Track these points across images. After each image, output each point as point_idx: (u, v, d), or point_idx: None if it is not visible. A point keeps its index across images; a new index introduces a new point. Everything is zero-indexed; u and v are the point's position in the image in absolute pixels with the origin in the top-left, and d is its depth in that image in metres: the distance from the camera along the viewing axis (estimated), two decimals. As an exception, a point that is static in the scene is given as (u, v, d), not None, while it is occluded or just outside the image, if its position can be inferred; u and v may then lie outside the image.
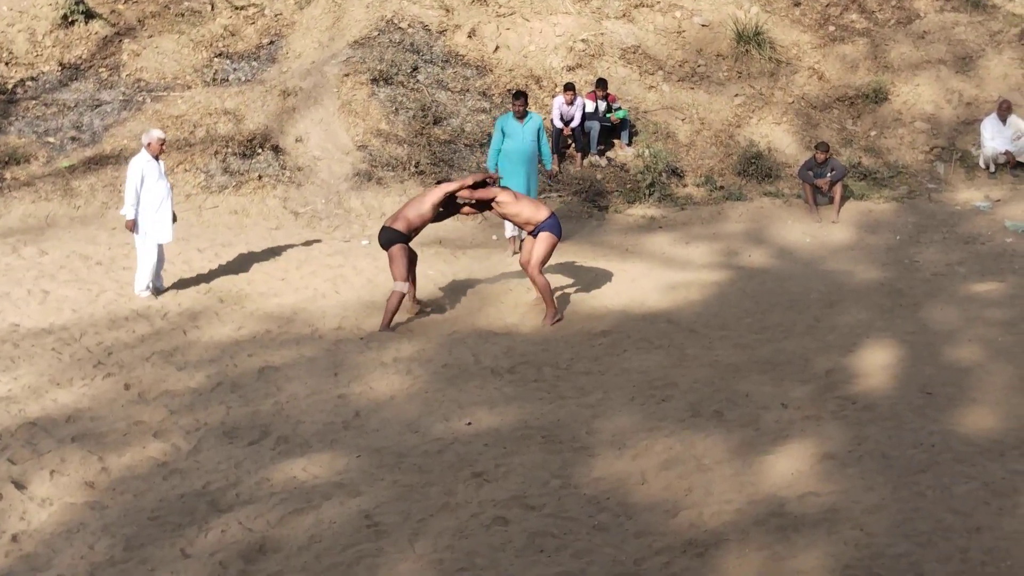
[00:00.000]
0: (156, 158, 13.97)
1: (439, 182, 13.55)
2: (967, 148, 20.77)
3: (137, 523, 8.14)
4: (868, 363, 11.28)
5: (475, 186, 13.20)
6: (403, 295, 12.92)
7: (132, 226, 13.92)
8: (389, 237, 12.97)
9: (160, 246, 14.08)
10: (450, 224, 16.81)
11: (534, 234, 13.23)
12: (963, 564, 7.07)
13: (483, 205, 13.40)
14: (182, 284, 14.52)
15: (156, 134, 14.01)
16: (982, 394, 10.25)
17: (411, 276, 13.21)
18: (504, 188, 13.48)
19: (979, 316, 13.05)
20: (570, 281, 14.73)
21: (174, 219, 14.27)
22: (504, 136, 15.92)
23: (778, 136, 20.81)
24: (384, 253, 13.24)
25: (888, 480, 8.34)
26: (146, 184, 13.87)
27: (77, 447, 9.45)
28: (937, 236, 17.58)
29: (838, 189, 18.68)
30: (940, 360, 11.36)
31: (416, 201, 13.21)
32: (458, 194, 13.16)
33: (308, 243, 16.44)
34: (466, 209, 13.38)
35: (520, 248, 13.93)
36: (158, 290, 14.13)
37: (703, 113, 20.95)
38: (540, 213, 13.27)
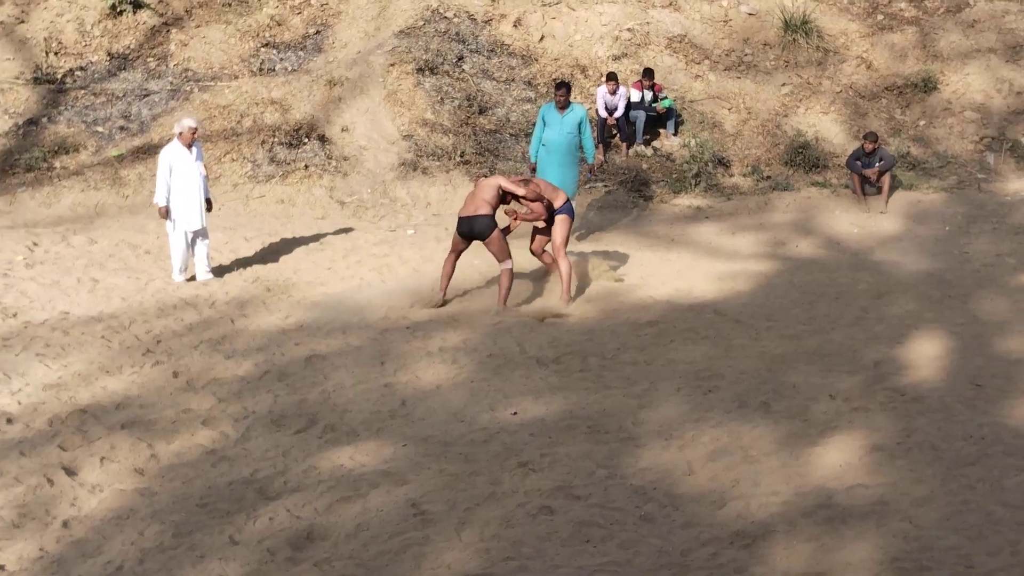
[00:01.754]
0: (189, 147, 14.14)
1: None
2: (1017, 138, 20.57)
3: (186, 510, 8.20)
4: (917, 354, 11.20)
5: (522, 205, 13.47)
6: (513, 271, 13.12)
7: (165, 213, 14.11)
8: (488, 223, 13.03)
9: (200, 231, 14.26)
10: (498, 216, 16.84)
11: (549, 220, 13.49)
12: (1013, 557, 7.01)
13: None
14: (229, 273, 14.61)
15: (187, 123, 14.19)
16: (1033, 386, 10.16)
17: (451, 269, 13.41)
18: (527, 181, 13.54)
19: (1029, 307, 12.95)
20: (616, 271, 14.70)
21: (209, 206, 14.43)
22: (545, 126, 15.89)
23: (826, 126, 20.67)
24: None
25: (937, 472, 8.28)
26: (175, 172, 14.09)
27: (127, 434, 9.53)
28: (987, 226, 17.42)
29: (886, 179, 18.54)
30: (990, 352, 11.26)
31: (480, 191, 13.21)
32: (513, 202, 13.39)
33: (354, 232, 16.49)
34: (515, 221, 13.45)
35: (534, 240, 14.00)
36: (212, 272, 14.39)
37: (750, 102, 20.85)
38: (559, 197, 13.57)
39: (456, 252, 13.33)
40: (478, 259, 14.96)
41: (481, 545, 7.47)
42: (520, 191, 13.23)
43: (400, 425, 9.79)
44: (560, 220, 13.47)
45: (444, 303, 13.30)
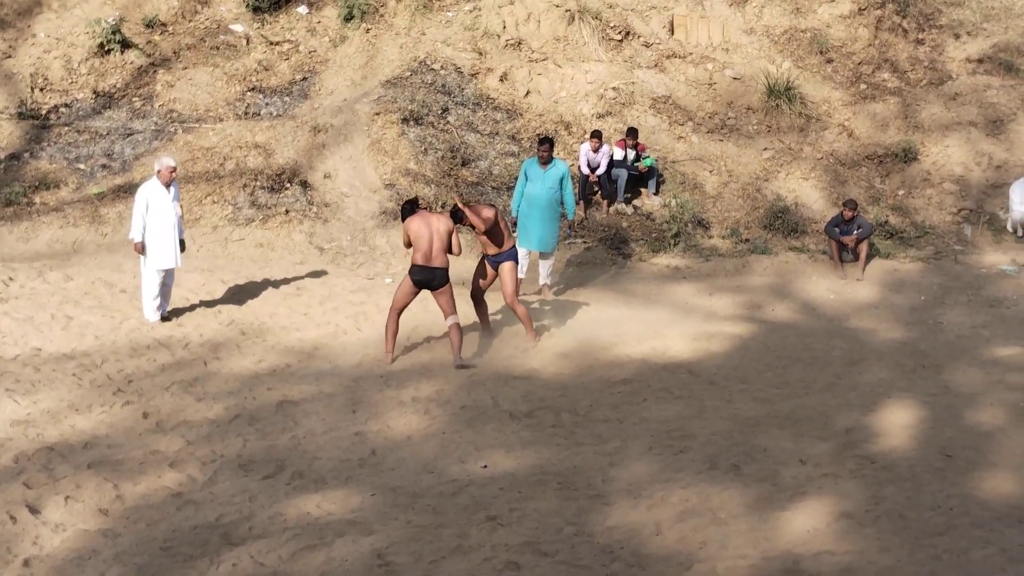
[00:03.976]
0: (167, 186, 14.11)
1: (452, 212, 13.67)
2: (995, 211, 20.72)
3: (149, 553, 8.13)
4: (888, 423, 11.22)
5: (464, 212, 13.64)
6: (459, 324, 13.29)
7: (140, 248, 14.05)
8: (445, 275, 13.18)
9: (170, 272, 14.20)
10: (473, 266, 16.87)
11: (495, 263, 13.80)
12: (978, 630, 6.99)
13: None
14: (204, 315, 14.57)
15: (166, 162, 14.18)
16: (1002, 459, 10.16)
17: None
18: (491, 206, 13.88)
19: (1002, 380, 12.97)
20: (592, 328, 14.70)
21: (182, 247, 14.38)
22: (527, 180, 15.94)
23: (806, 191, 20.80)
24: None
25: (904, 542, 8.27)
26: (152, 210, 14.05)
27: (93, 474, 9.46)
28: (962, 298, 17.50)
29: (864, 247, 18.64)
30: (961, 423, 11.28)
31: (436, 236, 13.13)
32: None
33: (331, 279, 16.47)
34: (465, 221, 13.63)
35: (481, 279, 14.19)
36: (163, 316, 14.26)
37: (731, 165, 20.97)
38: (509, 242, 13.85)
39: (400, 309, 13.25)
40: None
41: (445, 599, 7.42)
42: (480, 226, 13.41)
43: (369, 474, 9.75)
44: (507, 268, 13.73)
45: (393, 360, 13.22)
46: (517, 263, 14.01)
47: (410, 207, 13.20)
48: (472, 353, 13.52)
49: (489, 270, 14.01)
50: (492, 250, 13.83)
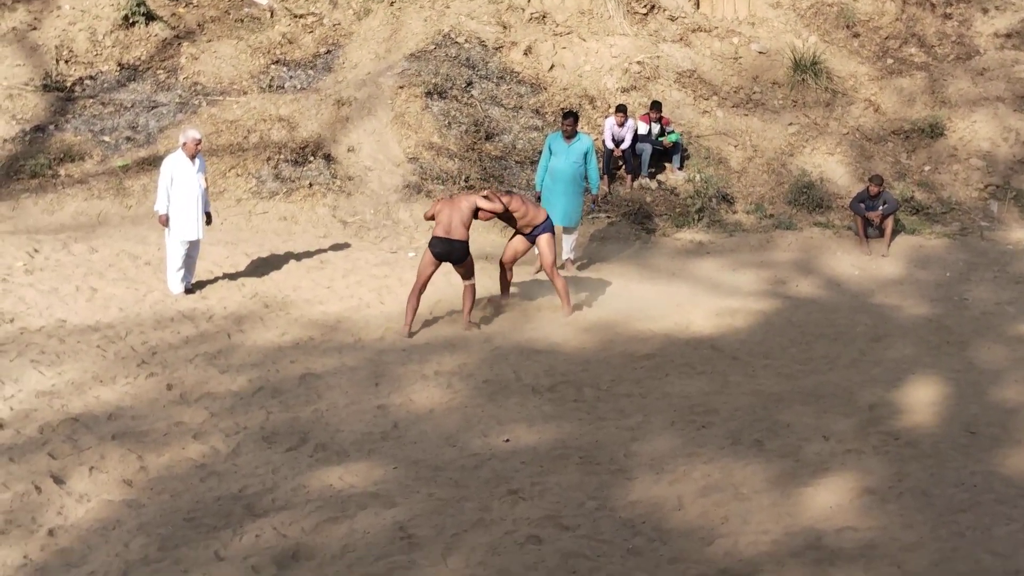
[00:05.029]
0: (192, 158, 14.13)
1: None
2: (1021, 187, 20.57)
3: (173, 523, 8.17)
4: (913, 399, 11.18)
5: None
6: (475, 285, 13.59)
7: (165, 220, 14.10)
8: (465, 248, 13.28)
9: (195, 244, 14.24)
10: (496, 240, 16.87)
11: (532, 236, 13.97)
12: (1001, 607, 6.97)
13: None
14: (228, 288, 14.60)
15: (192, 134, 14.19)
16: (1027, 436, 10.13)
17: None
18: (509, 194, 14.08)
19: (1027, 357, 12.92)
20: (615, 303, 14.68)
21: (208, 220, 14.43)
22: (551, 154, 15.90)
23: (831, 167, 20.68)
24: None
25: (928, 518, 8.25)
26: (176, 182, 14.08)
27: (117, 445, 9.51)
28: (988, 274, 17.41)
29: (889, 223, 18.54)
30: (985, 399, 11.24)
31: (456, 211, 13.26)
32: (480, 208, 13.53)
33: (355, 252, 16.48)
34: (483, 215, 13.65)
35: (507, 250, 14.33)
36: (187, 289, 14.30)
37: (756, 140, 20.87)
38: (540, 215, 14.01)
39: (423, 284, 13.31)
40: (477, 284, 14.94)
41: (467, 572, 7.44)
42: (497, 208, 13.44)
43: (391, 447, 9.77)
44: (544, 240, 13.91)
45: (411, 335, 13.25)
46: (553, 234, 14.12)
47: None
48: (494, 326, 13.54)
49: (522, 243, 14.07)
50: (527, 229, 13.94)
